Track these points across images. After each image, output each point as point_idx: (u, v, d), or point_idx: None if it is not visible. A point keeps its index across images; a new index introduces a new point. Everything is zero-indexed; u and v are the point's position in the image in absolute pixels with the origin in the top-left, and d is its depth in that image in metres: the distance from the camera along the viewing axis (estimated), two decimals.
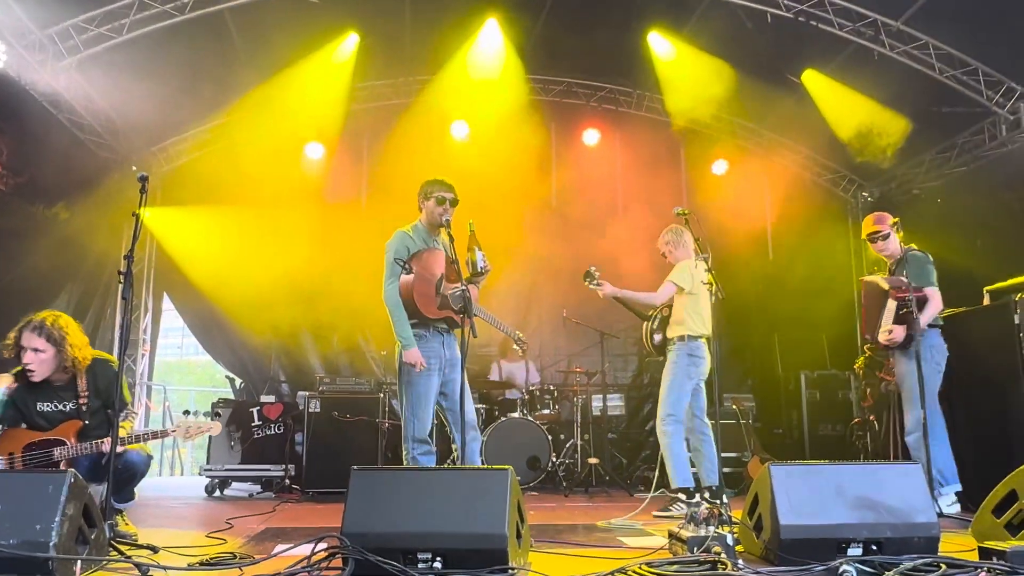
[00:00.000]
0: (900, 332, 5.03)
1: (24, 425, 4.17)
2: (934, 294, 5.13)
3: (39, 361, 4.12)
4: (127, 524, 4.13)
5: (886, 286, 5.17)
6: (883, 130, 7.82)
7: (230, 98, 8.19)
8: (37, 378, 4.14)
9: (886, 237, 5.38)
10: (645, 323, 5.88)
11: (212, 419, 4.34)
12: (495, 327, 4.98)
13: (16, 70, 6.47)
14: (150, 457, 4.36)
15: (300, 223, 8.65)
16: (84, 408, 4.22)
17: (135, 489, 4.31)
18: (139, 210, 3.72)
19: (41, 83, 6.78)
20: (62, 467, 4.02)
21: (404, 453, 4.43)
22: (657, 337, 5.73)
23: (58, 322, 4.18)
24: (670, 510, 5.29)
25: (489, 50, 8.33)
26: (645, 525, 4.80)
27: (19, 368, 4.17)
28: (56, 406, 4.23)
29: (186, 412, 4.45)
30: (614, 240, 8.31)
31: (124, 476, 4.10)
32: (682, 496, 5.31)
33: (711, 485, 5.37)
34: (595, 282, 5.48)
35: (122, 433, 4.00)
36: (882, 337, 5.13)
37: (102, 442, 4.03)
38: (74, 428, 4.16)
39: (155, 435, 4.26)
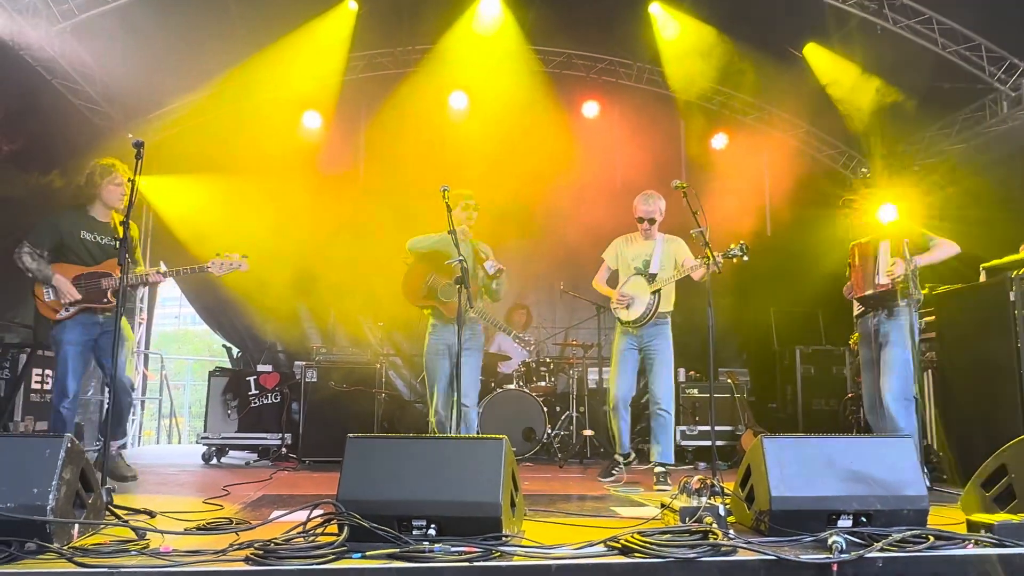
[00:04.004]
0: (901, 264, 5.01)
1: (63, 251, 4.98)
2: (943, 241, 5.15)
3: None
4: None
5: (879, 234, 5.29)
6: (883, 104, 7.77)
7: (227, 65, 8.09)
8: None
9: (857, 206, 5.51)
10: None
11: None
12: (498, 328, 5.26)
13: (9, 34, 6.39)
14: (133, 385, 5.34)
15: (298, 192, 8.60)
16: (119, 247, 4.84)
17: (127, 432, 4.79)
18: (134, 176, 3.71)
19: (35, 48, 6.69)
20: (108, 296, 4.99)
21: None
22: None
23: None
24: (613, 474, 5.80)
25: (489, 20, 8.24)
26: (641, 494, 4.85)
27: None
28: (95, 238, 5.07)
29: (218, 254, 5.17)
30: (611, 213, 8.29)
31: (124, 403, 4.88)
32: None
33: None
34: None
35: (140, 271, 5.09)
36: (883, 278, 5.10)
37: (148, 274, 5.12)
38: (116, 264, 4.96)
39: (192, 271, 5.19)
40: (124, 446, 5.49)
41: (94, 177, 5.10)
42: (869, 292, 5.28)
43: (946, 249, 5.15)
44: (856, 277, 5.46)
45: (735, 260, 5.03)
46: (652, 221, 5.66)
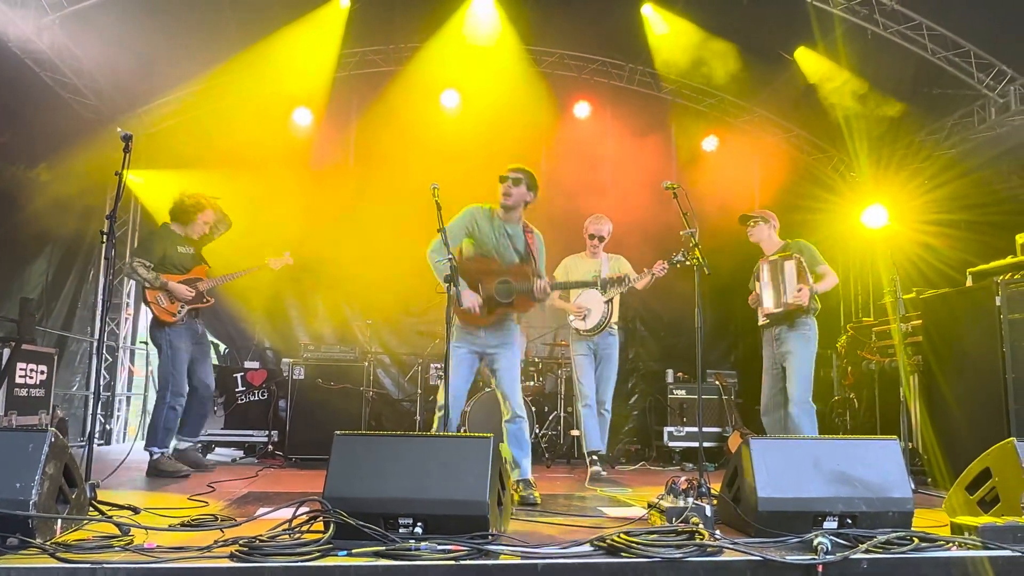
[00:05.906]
0: (806, 291, 5.32)
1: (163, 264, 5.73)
2: (829, 271, 5.58)
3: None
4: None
5: (786, 252, 5.60)
6: (873, 110, 7.81)
7: (217, 60, 8.04)
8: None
9: (756, 224, 5.85)
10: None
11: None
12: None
13: None
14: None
15: (286, 189, 8.56)
16: (201, 256, 6.08)
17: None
18: (122, 170, 3.68)
19: (23, 40, 6.63)
20: (206, 297, 6.00)
21: None
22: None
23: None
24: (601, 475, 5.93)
25: (481, 19, 8.23)
26: (628, 494, 4.86)
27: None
28: (183, 250, 5.92)
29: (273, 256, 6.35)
30: (601, 214, 8.31)
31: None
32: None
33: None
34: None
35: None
36: (791, 297, 5.37)
37: (231, 276, 6.19)
38: (204, 270, 6.05)
39: (249, 271, 6.32)
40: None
41: (199, 208, 5.99)
42: (780, 310, 5.53)
43: (829, 280, 5.54)
44: (766, 293, 5.69)
45: (679, 266, 5.12)
46: (602, 239, 6.29)
